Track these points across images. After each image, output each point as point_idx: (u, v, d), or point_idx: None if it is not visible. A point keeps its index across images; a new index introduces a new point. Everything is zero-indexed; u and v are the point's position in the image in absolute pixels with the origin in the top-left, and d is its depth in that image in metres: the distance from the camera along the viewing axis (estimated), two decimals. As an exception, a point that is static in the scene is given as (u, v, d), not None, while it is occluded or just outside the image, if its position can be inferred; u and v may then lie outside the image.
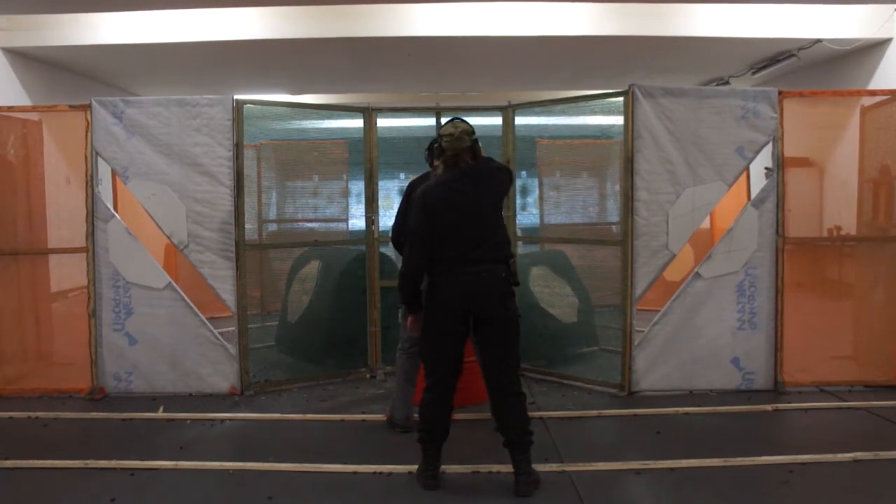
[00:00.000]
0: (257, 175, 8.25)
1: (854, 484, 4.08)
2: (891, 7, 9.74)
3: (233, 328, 5.85)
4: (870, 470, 4.24)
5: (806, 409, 5.32)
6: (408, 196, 4.83)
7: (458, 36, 9.65)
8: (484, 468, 4.25)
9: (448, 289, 3.93)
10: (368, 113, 6.33)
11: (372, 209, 6.33)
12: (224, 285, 5.79)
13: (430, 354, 4.07)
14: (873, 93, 6.47)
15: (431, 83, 13.64)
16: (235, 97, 5.82)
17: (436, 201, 3.97)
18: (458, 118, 4.17)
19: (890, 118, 6.04)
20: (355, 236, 6.88)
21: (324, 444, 4.79)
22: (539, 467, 4.14)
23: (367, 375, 6.32)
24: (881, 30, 10.32)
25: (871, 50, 10.92)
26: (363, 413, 5.38)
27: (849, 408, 5.40)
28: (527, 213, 8.07)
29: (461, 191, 3.97)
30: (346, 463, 4.35)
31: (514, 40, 9.84)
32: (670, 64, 11.99)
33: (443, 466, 4.12)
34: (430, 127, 6.50)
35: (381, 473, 4.23)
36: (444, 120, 6.38)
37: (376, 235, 6.37)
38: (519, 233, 7.34)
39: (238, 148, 5.78)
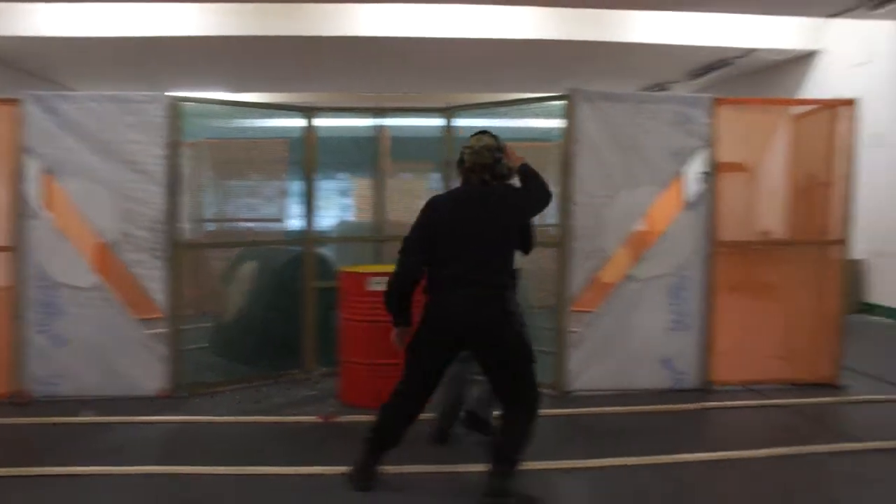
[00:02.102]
0: (194, 173, 8.09)
1: (773, 479, 4.19)
2: (820, 20, 10.05)
3: (165, 329, 5.73)
4: (789, 465, 4.39)
5: (733, 408, 5.45)
6: None
7: (402, 37, 9.67)
8: (413, 468, 4.23)
9: (441, 308, 3.80)
10: (308, 112, 6.27)
11: (310, 210, 6.27)
12: (156, 285, 5.66)
13: (410, 364, 3.94)
14: (803, 102, 6.68)
15: (375, 84, 13.62)
16: (172, 94, 5.71)
17: (439, 214, 3.87)
18: (485, 131, 4.01)
19: (818, 127, 6.23)
20: (293, 237, 6.82)
21: (255, 446, 4.72)
22: (469, 468, 4.17)
23: (302, 377, 6.25)
24: (811, 41, 10.65)
25: (802, 60, 11.26)
26: (296, 415, 5.32)
27: (774, 406, 5.56)
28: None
29: (467, 207, 3.84)
30: (277, 465, 4.29)
31: (458, 42, 9.91)
32: (612, 69, 12.19)
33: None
34: (374, 128, 6.48)
35: (312, 475, 4.18)
36: (384, 121, 6.44)
37: (313, 236, 6.30)
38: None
39: (173, 146, 5.67)
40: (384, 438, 3.94)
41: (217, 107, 6.68)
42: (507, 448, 3.77)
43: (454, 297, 3.74)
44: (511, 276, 3.86)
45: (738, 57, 11.20)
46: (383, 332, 5.42)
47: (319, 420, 5.17)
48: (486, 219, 3.80)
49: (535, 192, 3.98)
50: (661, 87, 13.78)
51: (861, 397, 5.81)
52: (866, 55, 10.05)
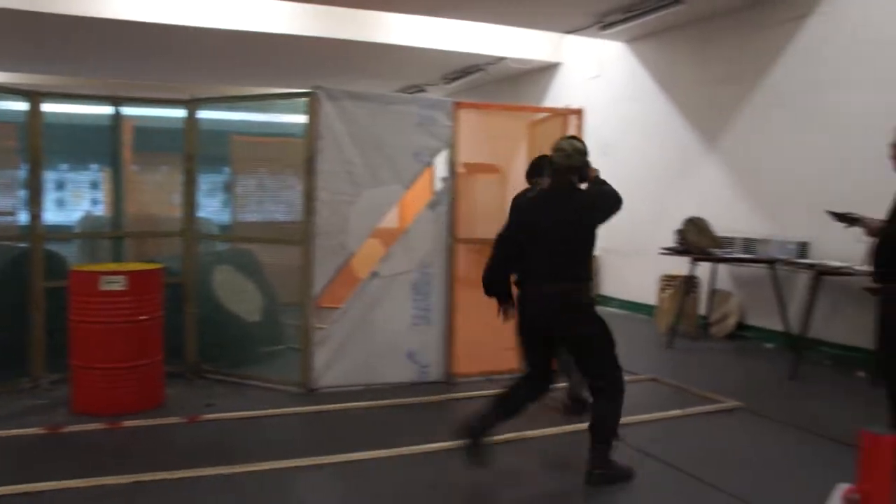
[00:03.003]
0: None
1: (504, 462, 4.41)
2: (558, 35, 10.84)
3: None
4: (518, 449, 4.69)
5: (473, 398, 5.74)
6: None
7: (149, 22, 9.18)
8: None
9: (524, 304, 4.13)
10: (33, 97, 5.75)
11: (35, 203, 5.76)
12: None
13: (522, 350, 4.36)
14: (536, 109, 7.16)
15: (119, 70, 12.85)
16: None
17: (524, 213, 4.21)
18: (574, 137, 4.28)
19: (550, 133, 6.70)
20: (24, 231, 6.23)
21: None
22: (208, 471, 4.11)
23: (29, 385, 5.73)
24: (554, 54, 11.46)
25: (547, 71, 12.11)
26: (20, 427, 4.86)
27: (509, 394, 5.92)
28: (218, 211, 7.88)
29: (553, 208, 4.07)
30: (-8, 485, 3.90)
31: (208, 32, 9.57)
32: (370, 69, 12.38)
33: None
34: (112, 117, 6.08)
35: (30, 493, 3.85)
36: (126, 110, 6.08)
37: (41, 232, 5.80)
38: (217, 231, 7.14)
39: None
40: (507, 409, 4.24)
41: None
42: (598, 426, 4.08)
43: (535, 292, 4.06)
44: (585, 271, 4.15)
45: (489, 64, 11.81)
46: (117, 334, 5.16)
47: (46, 431, 4.78)
48: (569, 219, 4.05)
49: (611, 196, 4.22)
50: (419, 89, 14.19)
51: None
52: (597, 70, 11.03)
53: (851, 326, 7.19)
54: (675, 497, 4.08)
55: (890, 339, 4.42)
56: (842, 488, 1.36)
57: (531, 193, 4.43)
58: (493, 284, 4.32)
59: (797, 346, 6.98)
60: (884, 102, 6.91)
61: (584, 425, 4.22)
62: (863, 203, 5.08)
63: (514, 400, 4.30)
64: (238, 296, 6.45)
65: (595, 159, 9.06)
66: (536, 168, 5.53)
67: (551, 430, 5.01)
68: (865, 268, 4.62)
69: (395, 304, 5.94)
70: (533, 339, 4.22)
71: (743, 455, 4.67)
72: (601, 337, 4.14)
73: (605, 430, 4.09)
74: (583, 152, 4.13)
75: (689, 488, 4.15)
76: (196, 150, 6.10)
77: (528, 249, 4.09)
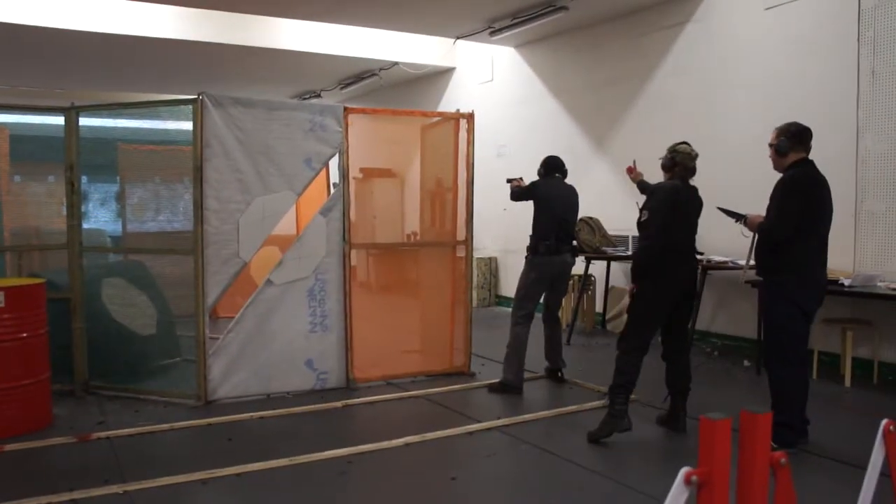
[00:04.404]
0: None
1: (403, 465, 4.51)
2: (451, 40, 10.97)
3: None
4: (417, 451, 4.74)
5: (372, 403, 5.76)
6: (533, 186, 6.29)
7: (22, 24, 8.78)
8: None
9: (675, 269, 4.86)
10: None
11: None
12: None
13: (646, 321, 4.93)
14: (426, 114, 7.22)
15: (2, 76, 12.27)
16: None
17: (678, 199, 4.90)
18: (685, 142, 5.07)
19: (441, 137, 6.80)
20: None
21: None
22: (98, 491, 3.98)
23: None
24: (447, 59, 11.60)
25: (442, 75, 12.25)
26: None
27: (410, 397, 5.98)
28: (112, 222, 7.61)
29: (689, 196, 5.03)
30: None
31: (98, 37, 9.28)
32: (263, 74, 12.22)
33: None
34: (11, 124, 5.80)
35: None
36: None
37: None
38: (109, 242, 6.90)
39: None
40: (632, 385, 4.89)
41: None
42: (689, 383, 5.11)
43: (682, 267, 4.95)
44: None
45: (383, 69, 11.84)
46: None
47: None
48: (698, 205, 5.08)
49: None
50: (314, 94, 14.10)
51: (488, 382, 6.41)
52: (490, 74, 11.22)
53: (737, 318, 7.56)
54: (564, 485, 4.21)
55: (769, 329, 4.72)
56: (684, 471, 1.44)
57: (668, 185, 5.06)
58: (651, 265, 4.90)
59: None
60: (760, 102, 7.31)
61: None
62: (750, 199, 5.38)
63: (636, 376, 4.93)
64: (129, 308, 6.26)
65: (494, 161, 9.30)
66: (552, 165, 6.35)
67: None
68: (751, 262, 4.90)
69: (291, 312, 5.89)
70: (667, 306, 4.93)
71: (628, 445, 4.83)
72: None
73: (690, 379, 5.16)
74: (697, 155, 5.07)
75: (579, 477, 4.29)
76: (77, 159, 5.87)
77: (673, 227, 4.87)
